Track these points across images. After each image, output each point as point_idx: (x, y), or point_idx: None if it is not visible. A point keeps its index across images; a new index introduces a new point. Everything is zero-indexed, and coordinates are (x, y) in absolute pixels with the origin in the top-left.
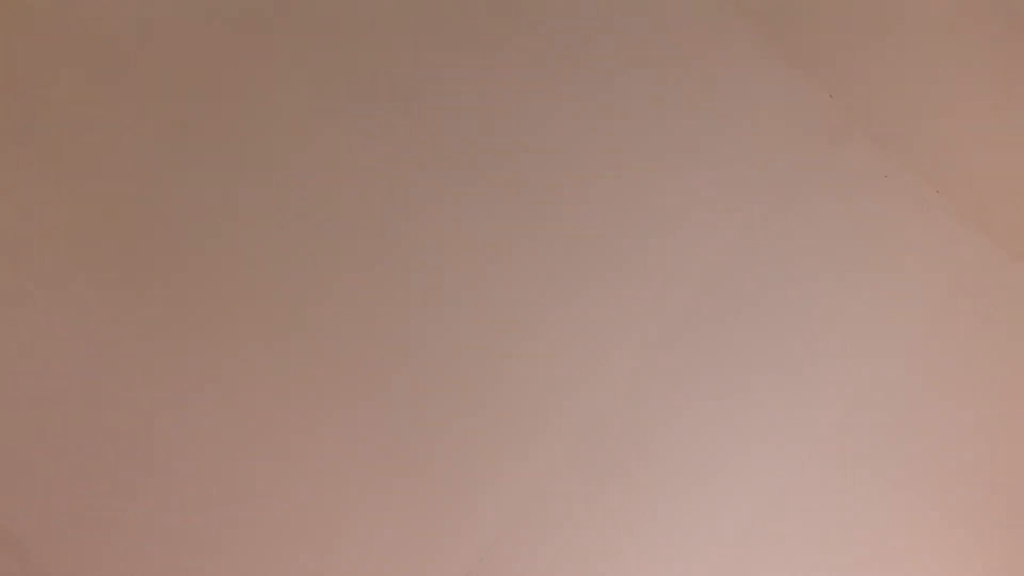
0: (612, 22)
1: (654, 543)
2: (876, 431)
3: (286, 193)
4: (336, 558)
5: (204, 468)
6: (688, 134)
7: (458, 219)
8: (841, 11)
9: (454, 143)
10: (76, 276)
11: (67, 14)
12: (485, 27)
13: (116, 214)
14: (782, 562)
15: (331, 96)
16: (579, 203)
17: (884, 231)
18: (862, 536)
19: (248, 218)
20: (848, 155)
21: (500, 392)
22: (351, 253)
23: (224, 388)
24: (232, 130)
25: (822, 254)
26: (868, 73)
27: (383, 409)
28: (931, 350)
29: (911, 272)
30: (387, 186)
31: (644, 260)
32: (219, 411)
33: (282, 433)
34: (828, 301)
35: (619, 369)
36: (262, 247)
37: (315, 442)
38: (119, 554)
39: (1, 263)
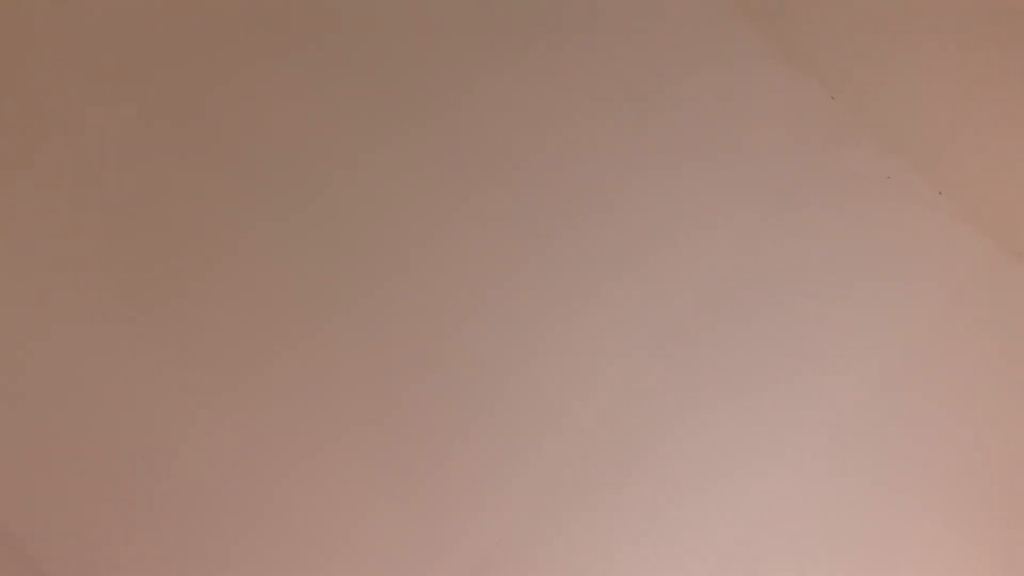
0: (611, 25)
1: (655, 549)
2: (879, 434)
3: (297, 204)
4: (341, 564)
5: (208, 472)
6: (688, 137)
7: (460, 231)
8: (842, 12)
9: (460, 154)
10: (82, 279)
11: (71, 19)
12: (491, 40)
13: (127, 220)
14: (783, 567)
15: (343, 106)
16: (578, 208)
17: (886, 233)
18: (865, 541)
19: (259, 228)
20: (850, 157)
21: (503, 398)
22: (358, 265)
23: (229, 395)
24: (246, 140)
25: (823, 256)
26: (870, 75)
27: (388, 419)
28: (933, 351)
29: (913, 273)
30: (394, 199)
31: (644, 265)
32: (224, 418)
33: (286, 439)
34: (830, 303)
35: (620, 375)
36: (272, 258)
37: (318, 452)
38: (120, 556)
39: (8, 265)
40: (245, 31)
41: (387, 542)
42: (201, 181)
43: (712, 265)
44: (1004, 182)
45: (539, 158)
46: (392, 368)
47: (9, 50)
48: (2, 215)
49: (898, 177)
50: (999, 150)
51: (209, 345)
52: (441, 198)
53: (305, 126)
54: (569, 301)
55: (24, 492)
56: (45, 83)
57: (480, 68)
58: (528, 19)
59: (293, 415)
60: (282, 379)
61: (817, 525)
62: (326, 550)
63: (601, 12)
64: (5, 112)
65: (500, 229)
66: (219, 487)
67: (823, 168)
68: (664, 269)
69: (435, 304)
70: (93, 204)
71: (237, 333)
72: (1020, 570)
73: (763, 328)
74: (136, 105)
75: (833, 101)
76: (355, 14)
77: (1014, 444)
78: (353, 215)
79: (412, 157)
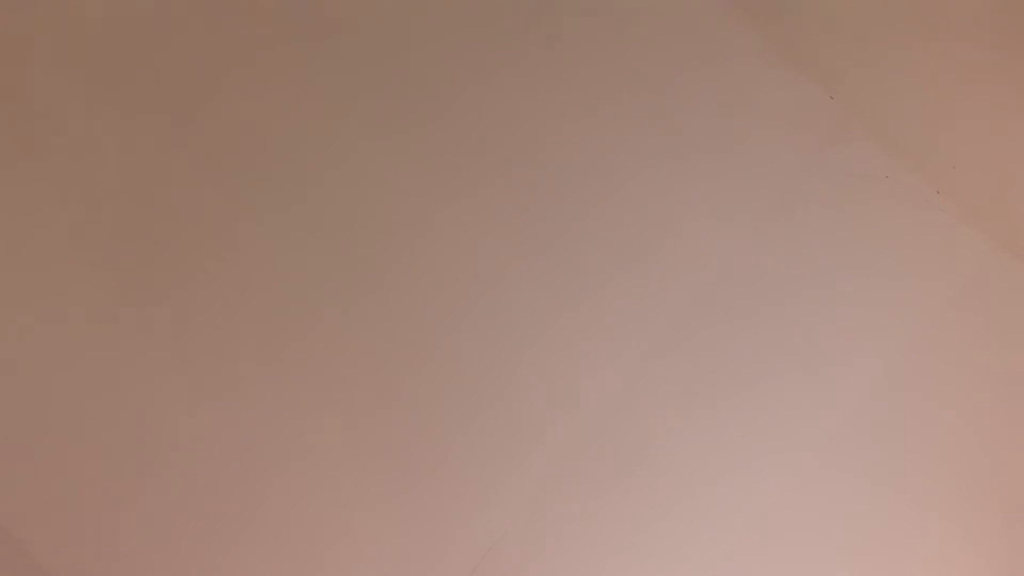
0: (613, 24)
1: (654, 548)
2: (878, 434)
3: (296, 200)
4: (339, 562)
5: (207, 471)
6: (688, 136)
7: (461, 228)
8: (842, 12)
9: (460, 152)
10: (82, 279)
11: (70, 18)
12: (488, 38)
13: (125, 217)
14: (783, 566)
15: (342, 104)
16: (577, 208)
17: (885, 232)
18: (864, 540)
19: (257, 225)
20: (849, 156)
21: (503, 398)
22: (358, 260)
23: (229, 392)
24: (243, 137)
25: (823, 255)
26: (869, 74)
27: (388, 414)
28: (932, 350)
29: (912, 273)
30: (394, 193)
31: (645, 264)
32: (224, 414)
33: (286, 437)
34: (829, 303)
35: (621, 374)
36: (271, 254)
37: (319, 447)
38: (119, 555)
39: (9, 266)
40: (243, 31)
41: (389, 535)
42: (199, 178)
43: (711, 264)
44: (1002, 181)
45: (538, 157)
46: (392, 364)
47: (9, 50)
48: (1, 213)
49: (897, 176)
50: (997, 150)
51: (208, 340)
52: (440, 194)
53: (302, 124)
54: (569, 300)
55: (23, 491)
56: (44, 82)
57: (477, 67)
58: (526, 18)
59: (293, 409)
60: (282, 373)
61: (817, 523)
62: (328, 543)
63: (599, 11)
64: (4, 112)
65: (499, 227)
66: (220, 481)
67: (822, 167)
68: (663, 268)
69: (434, 302)
70: (91, 201)
71: (236, 328)
72: (1020, 570)
73: (762, 327)
74: (134, 103)
75: (832, 101)
76: (352, 14)
77: (1014, 443)
78: (353, 209)
79: (410, 153)
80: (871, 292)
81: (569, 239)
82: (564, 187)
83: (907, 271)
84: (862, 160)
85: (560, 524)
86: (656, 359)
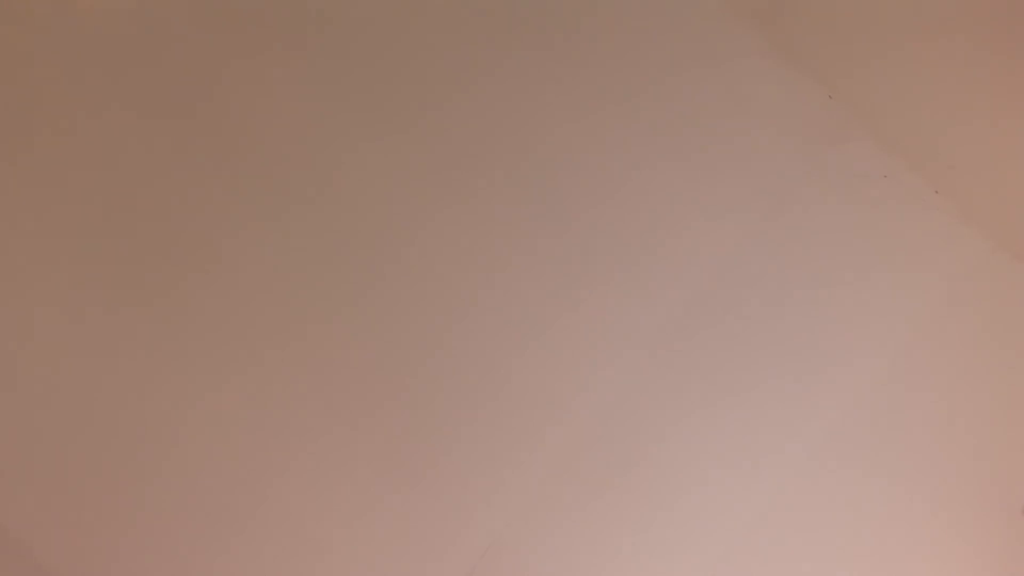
0: (612, 23)
1: (654, 548)
2: (876, 433)
3: (292, 199)
4: (337, 562)
5: (206, 471)
6: (687, 135)
7: (459, 228)
8: (841, 12)
9: (458, 151)
10: (82, 279)
11: (69, 17)
12: (485, 38)
13: (123, 217)
14: (781, 566)
15: (340, 104)
16: (577, 207)
17: (884, 231)
18: (861, 539)
19: (254, 225)
20: (848, 155)
21: (501, 397)
22: (355, 260)
23: (229, 392)
24: (240, 137)
25: (821, 254)
26: (868, 73)
27: (386, 414)
28: (931, 350)
29: (911, 272)
30: (392, 193)
31: (642, 263)
32: (223, 415)
33: (285, 437)
34: (827, 301)
35: (618, 373)
36: (267, 254)
37: (317, 447)
38: (119, 555)
39: (9, 266)
40: (239, 30)
41: (388, 535)
42: (195, 177)
43: (709, 263)
44: (1001, 181)
45: (537, 157)
46: (391, 364)
47: (8, 49)
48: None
49: (895, 176)
50: (996, 150)
51: (207, 340)
52: (439, 194)
53: (301, 124)
54: (568, 300)
55: (23, 491)
56: (41, 80)
57: (476, 67)
58: (525, 18)
59: (292, 410)
60: (280, 374)
61: (816, 522)
62: (328, 543)
63: (597, 11)
64: (4, 112)
65: (498, 227)
66: (219, 482)
67: (820, 167)
68: (662, 268)
69: (432, 302)
70: (89, 200)
71: (235, 327)
72: (1018, 569)
73: (760, 327)
74: (131, 102)
75: (831, 100)
76: (348, 14)
77: (1013, 442)
78: (352, 209)
79: (409, 153)
80: (870, 291)
81: (568, 239)
82: (563, 187)
83: (906, 271)
84: (861, 160)
85: (560, 524)
86: (655, 359)
